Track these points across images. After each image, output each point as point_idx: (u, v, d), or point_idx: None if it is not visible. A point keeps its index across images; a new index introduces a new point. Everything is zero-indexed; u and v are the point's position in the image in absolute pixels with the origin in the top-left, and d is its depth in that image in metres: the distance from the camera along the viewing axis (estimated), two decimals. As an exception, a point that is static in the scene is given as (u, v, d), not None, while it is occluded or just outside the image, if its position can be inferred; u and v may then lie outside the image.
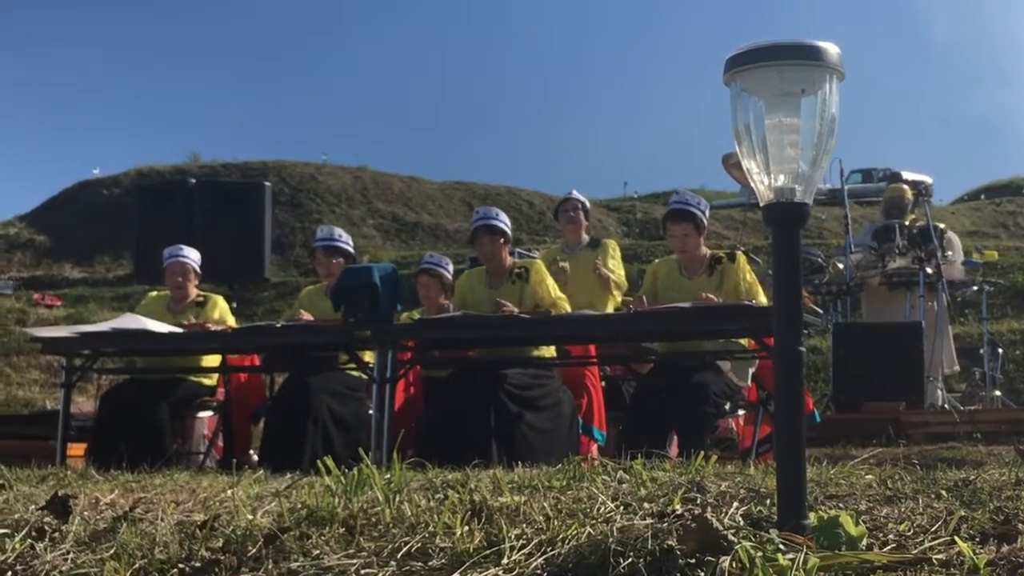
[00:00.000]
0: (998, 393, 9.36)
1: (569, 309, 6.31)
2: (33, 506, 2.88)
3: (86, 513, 2.80)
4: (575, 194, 7.71)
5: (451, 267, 7.18)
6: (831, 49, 2.17)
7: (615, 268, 7.27)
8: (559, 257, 7.37)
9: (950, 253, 9.34)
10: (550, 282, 6.40)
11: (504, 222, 6.51)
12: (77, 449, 6.70)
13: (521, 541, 2.12)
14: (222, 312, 7.11)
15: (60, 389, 7.02)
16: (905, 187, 10.18)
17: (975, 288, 9.60)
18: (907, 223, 9.30)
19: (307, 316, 6.70)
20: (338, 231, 7.34)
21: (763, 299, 5.94)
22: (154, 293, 7.48)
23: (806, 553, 1.86)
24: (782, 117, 2.20)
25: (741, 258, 6.29)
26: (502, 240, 6.46)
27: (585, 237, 7.59)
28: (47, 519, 2.67)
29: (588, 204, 7.86)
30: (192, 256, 7.18)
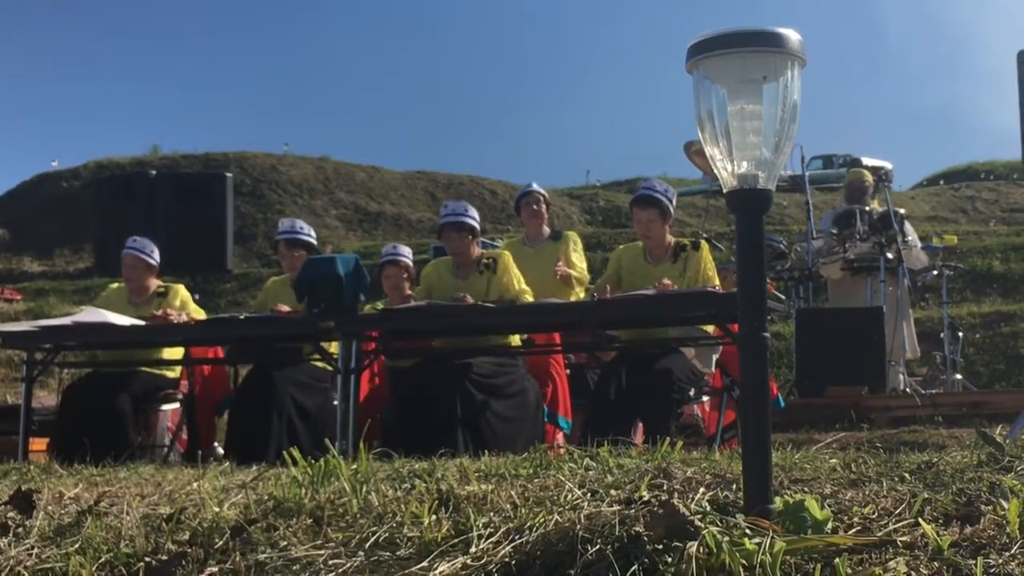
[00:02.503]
0: (959, 376, 9.46)
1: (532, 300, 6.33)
2: (-4, 502, 2.85)
3: (50, 508, 2.78)
4: (536, 187, 7.69)
5: (411, 256, 7.21)
6: (792, 36, 2.17)
7: (577, 261, 7.26)
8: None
9: (910, 238, 9.42)
10: (516, 273, 6.41)
11: (472, 217, 6.52)
12: (39, 444, 6.64)
13: (489, 529, 2.13)
14: (183, 301, 7.05)
15: (21, 383, 6.96)
16: (865, 171, 10.25)
17: (935, 273, 9.68)
18: (868, 208, 9.36)
19: (285, 308, 6.67)
20: (300, 223, 7.33)
21: (719, 288, 6.00)
22: (115, 285, 7.42)
23: (772, 537, 1.87)
24: (744, 104, 2.20)
25: (704, 246, 6.34)
26: (470, 236, 6.47)
27: (546, 230, 7.58)
28: (11, 514, 2.65)
29: (547, 196, 7.83)
30: (146, 248, 7.10)
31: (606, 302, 5.86)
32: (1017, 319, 12.86)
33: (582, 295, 7.07)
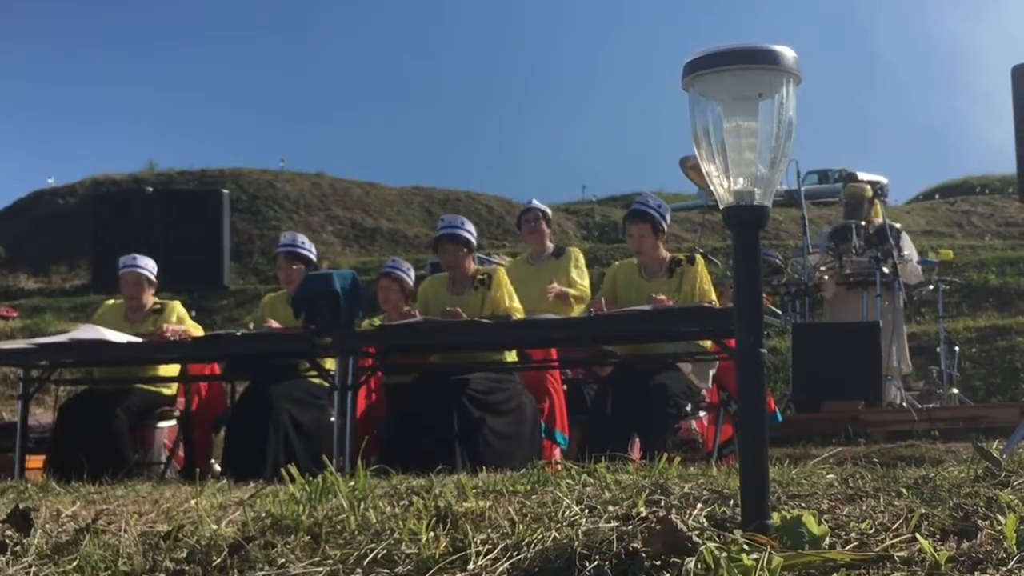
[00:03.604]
0: (955, 391, 9.45)
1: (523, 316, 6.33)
2: (-7, 520, 2.84)
3: (48, 526, 2.77)
4: (536, 203, 7.69)
5: (412, 273, 7.18)
6: (787, 53, 2.18)
7: (577, 278, 7.23)
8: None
9: (907, 252, 9.42)
10: (508, 289, 6.41)
11: (468, 231, 6.53)
12: (36, 461, 6.63)
13: (487, 546, 2.13)
14: (180, 316, 7.04)
15: (17, 401, 6.95)
16: (865, 185, 10.25)
17: (931, 287, 9.68)
18: (864, 223, 9.36)
19: (274, 323, 6.67)
20: (301, 237, 7.32)
21: (716, 303, 6.01)
22: (110, 302, 7.41)
23: (770, 553, 1.87)
24: (740, 121, 2.21)
25: (700, 261, 6.34)
26: (465, 249, 6.47)
27: (549, 246, 7.56)
28: (8, 532, 2.64)
29: (550, 212, 7.82)
30: (147, 265, 7.10)
31: (602, 317, 5.87)
32: (1013, 333, 12.85)
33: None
